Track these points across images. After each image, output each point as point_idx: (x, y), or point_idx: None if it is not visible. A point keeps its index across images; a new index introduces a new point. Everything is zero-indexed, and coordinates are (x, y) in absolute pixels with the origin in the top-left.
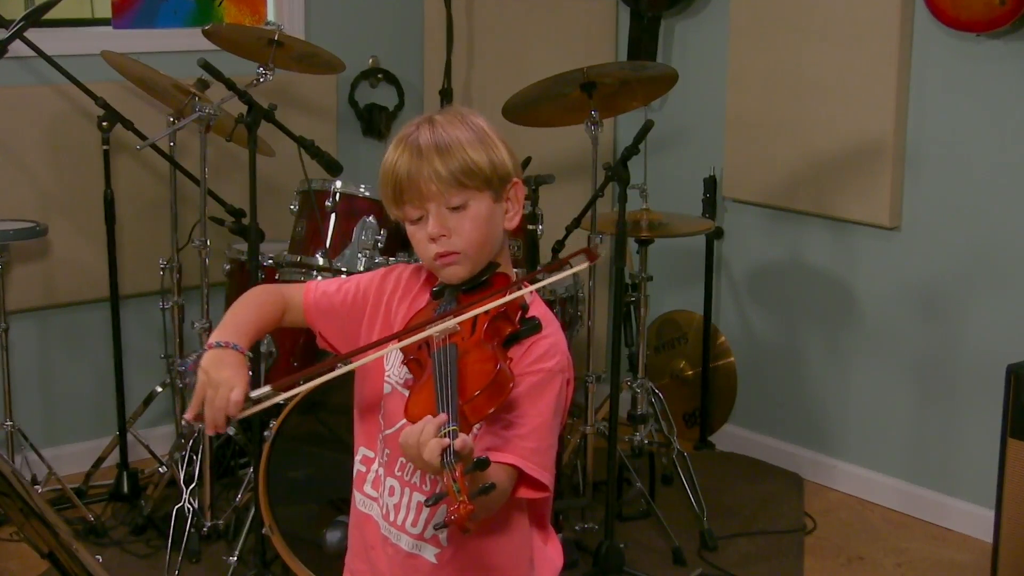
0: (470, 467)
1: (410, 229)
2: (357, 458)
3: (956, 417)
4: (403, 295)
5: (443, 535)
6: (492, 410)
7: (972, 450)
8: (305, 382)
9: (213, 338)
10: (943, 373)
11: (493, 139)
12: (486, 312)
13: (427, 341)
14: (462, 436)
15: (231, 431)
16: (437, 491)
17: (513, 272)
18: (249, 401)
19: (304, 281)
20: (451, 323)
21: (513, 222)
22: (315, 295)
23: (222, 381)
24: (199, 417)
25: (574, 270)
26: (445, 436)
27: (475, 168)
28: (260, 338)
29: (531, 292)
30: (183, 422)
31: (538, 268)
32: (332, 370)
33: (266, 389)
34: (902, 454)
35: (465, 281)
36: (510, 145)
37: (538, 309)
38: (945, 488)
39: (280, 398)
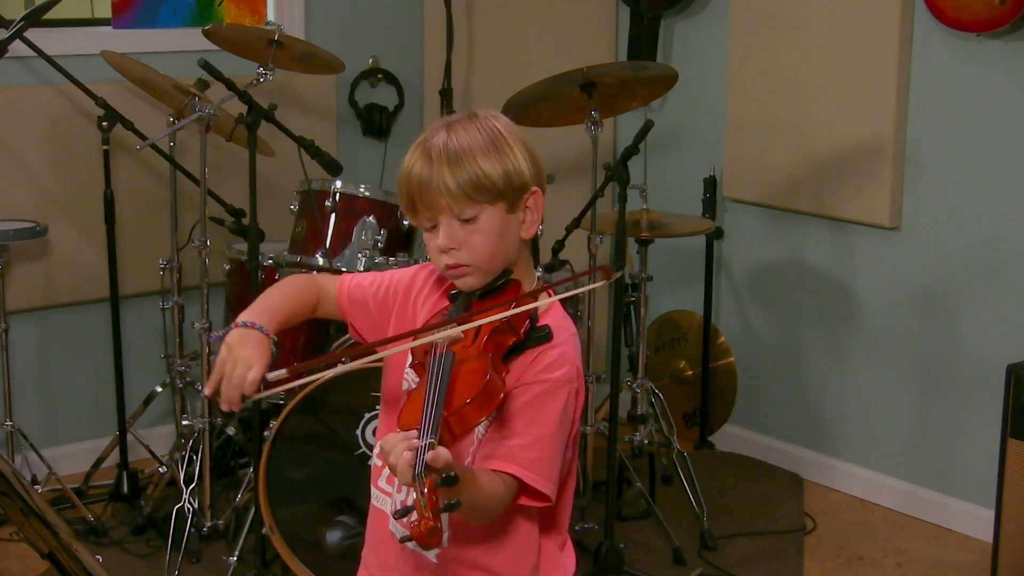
0: (438, 482)
1: (425, 235)
2: (375, 451)
3: (956, 417)
4: (428, 294)
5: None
6: (481, 420)
7: (972, 450)
8: (321, 370)
9: (242, 317)
10: (943, 373)
11: (510, 145)
12: (489, 322)
13: (433, 346)
14: (438, 449)
15: (230, 431)
16: (409, 503)
17: (536, 276)
18: (264, 382)
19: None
20: (455, 331)
21: (530, 231)
22: (349, 286)
23: (241, 359)
24: (216, 393)
25: (591, 287)
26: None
27: (486, 181)
28: (290, 325)
29: (546, 303)
30: (203, 395)
31: (552, 282)
32: (354, 360)
33: (282, 372)
34: (902, 454)
35: (478, 289)
36: (534, 149)
37: (555, 315)
38: (945, 488)
39: (295, 383)
